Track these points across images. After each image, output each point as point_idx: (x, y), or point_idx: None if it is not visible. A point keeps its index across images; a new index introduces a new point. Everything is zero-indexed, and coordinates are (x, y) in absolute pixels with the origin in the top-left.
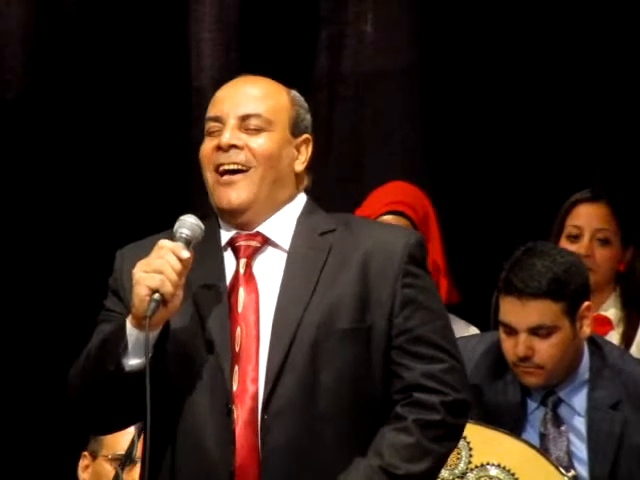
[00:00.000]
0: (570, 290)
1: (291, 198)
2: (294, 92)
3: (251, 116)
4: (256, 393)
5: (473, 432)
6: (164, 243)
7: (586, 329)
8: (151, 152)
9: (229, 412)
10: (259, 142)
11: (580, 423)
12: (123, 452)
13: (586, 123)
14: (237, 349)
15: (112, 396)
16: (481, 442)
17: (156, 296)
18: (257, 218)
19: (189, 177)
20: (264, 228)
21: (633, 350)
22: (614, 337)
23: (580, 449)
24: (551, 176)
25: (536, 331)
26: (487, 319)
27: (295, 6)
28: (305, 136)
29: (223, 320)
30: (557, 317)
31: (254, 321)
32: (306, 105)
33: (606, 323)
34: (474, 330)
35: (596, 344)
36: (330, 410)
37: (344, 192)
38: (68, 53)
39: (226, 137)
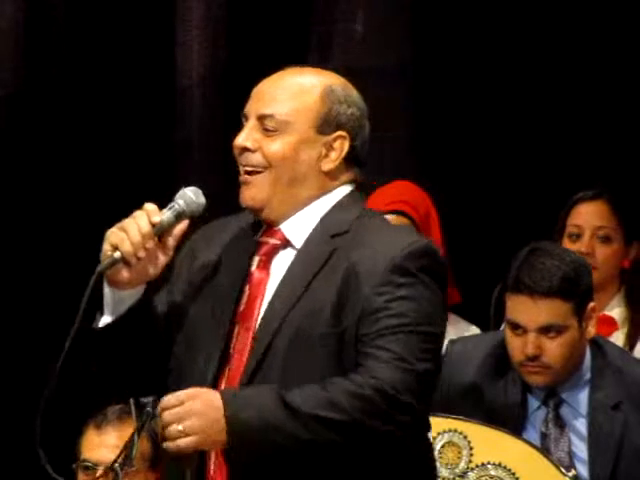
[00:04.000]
0: (580, 290)
1: (317, 196)
2: (337, 87)
3: (266, 117)
4: None
5: (474, 431)
6: (146, 205)
7: (591, 329)
8: (138, 149)
9: None
10: (272, 145)
11: (581, 423)
12: (90, 462)
13: (586, 119)
14: (231, 351)
15: (98, 350)
16: (482, 441)
17: (116, 254)
18: (277, 216)
19: (174, 173)
20: (285, 226)
21: (638, 350)
22: (619, 337)
23: (581, 449)
24: (551, 174)
25: (546, 330)
26: (488, 319)
27: (285, 3)
28: (338, 133)
29: (223, 318)
30: (567, 316)
31: (252, 321)
32: (352, 99)
33: (611, 323)
34: (475, 330)
35: (597, 344)
36: None
37: None
38: (58, 51)
39: (240, 139)
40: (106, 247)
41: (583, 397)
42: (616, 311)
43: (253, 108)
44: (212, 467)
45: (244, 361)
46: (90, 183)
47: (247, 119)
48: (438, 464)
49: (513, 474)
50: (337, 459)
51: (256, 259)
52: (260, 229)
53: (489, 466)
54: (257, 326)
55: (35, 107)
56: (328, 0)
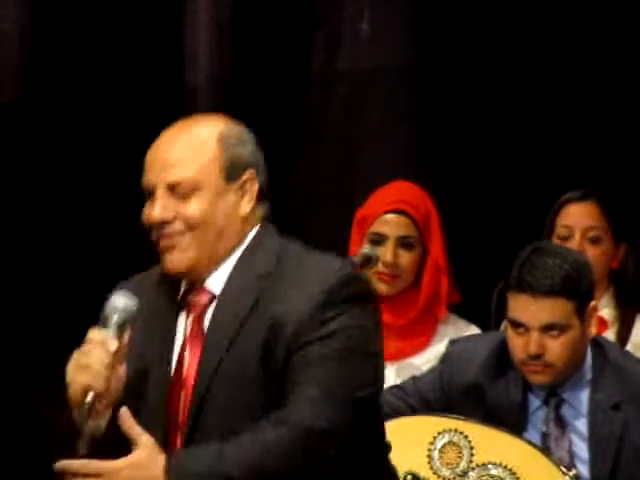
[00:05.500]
0: (581, 289)
1: (239, 244)
2: (226, 130)
3: (176, 184)
4: None
5: (475, 431)
6: (93, 335)
7: (592, 329)
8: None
9: None
10: (190, 209)
11: (582, 423)
12: None
13: (582, 121)
14: (180, 416)
15: None
16: (483, 441)
17: (88, 398)
18: (203, 274)
19: None
20: (211, 281)
21: (628, 349)
22: (609, 336)
23: (582, 449)
24: (551, 175)
25: (548, 329)
26: (488, 319)
27: (291, 3)
28: (246, 175)
29: (162, 390)
30: (569, 315)
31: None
32: (243, 137)
33: (602, 322)
34: (475, 329)
35: (597, 343)
36: None
37: (339, 191)
38: (63, 55)
39: (156, 212)
40: (75, 392)
41: (584, 397)
42: (606, 311)
43: (157, 179)
44: None
45: (186, 418)
46: (98, 188)
47: (152, 191)
48: (439, 464)
49: (514, 474)
50: None
51: (189, 322)
52: (178, 287)
53: (490, 466)
54: (192, 384)
55: (41, 111)
56: (335, 0)
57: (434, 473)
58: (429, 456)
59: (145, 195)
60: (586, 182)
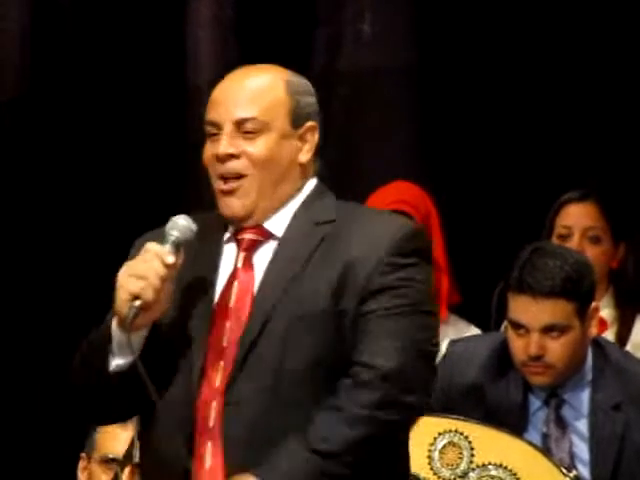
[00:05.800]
0: (582, 290)
1: (297, 190)
2: (292, 78)
3: (246, 120)
4: (223, 388)
5: (475, 432)
6: (151, 247)
7: (593, 329)
8: (148, 152)
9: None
10: (256, 147)
11: (582, 424)
12: (112, 455)
13: (582, 121)
14: (224, 344)
15: (104, 392)
16: (483, 442)
17: (136, 303)
18: (262, 217)
19: (185, 176)
20: (268, 223)
21: (628, 349)
22: (609, 337)
23: (582, 450)
24: (552, 176)
25: (549, 330)
26: (488, 319)
27: (292, 4)
28: (309, 124)
29: (204, 316)
30: (569, 317)
31: (244, 314)
32: (308, 88)
33: (601, 323)
34: (475, 330)
35: (598, 344)
36: (297, 397)
37: (340, 191)
38: (64, 54)
39: (222, 147)
40: (124, 297)
41: (584, 398)
42: (605, 311)
43: (224, 115)
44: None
45: (236, 349)
46: (100, 188)
47: (219, 127)
48: (439, 464)
49: (514, 475)
50: None
51: (240, 256)
52: (219, 227)
53: (490, 467)
54: (249, 315)
55: (42, 111)
56: (336, 1)
57: (434, 474)
58: (429, 457)
59: (207, 134)
60: (586, 182)
